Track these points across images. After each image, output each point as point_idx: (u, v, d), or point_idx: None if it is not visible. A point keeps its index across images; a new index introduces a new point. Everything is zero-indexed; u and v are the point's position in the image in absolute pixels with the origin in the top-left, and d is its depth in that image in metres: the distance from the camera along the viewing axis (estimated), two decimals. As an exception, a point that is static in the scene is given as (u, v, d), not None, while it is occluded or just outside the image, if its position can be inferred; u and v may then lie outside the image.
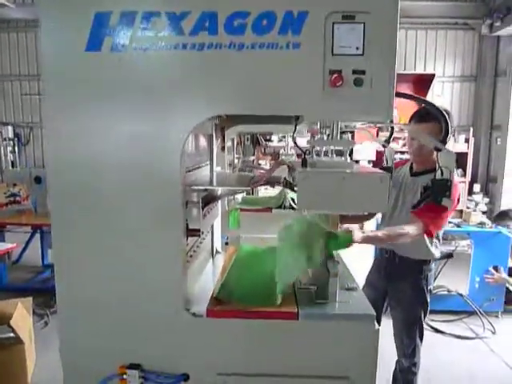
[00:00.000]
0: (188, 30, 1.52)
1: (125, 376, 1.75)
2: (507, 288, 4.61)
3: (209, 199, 2.01)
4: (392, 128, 2.12)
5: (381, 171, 1.62)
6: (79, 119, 1.63)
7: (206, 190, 2.01)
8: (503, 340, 4.12)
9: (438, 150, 1.68)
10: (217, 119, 2.32)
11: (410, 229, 2.21)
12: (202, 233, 1.84)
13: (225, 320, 1.72)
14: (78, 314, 1.77)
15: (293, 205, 4.44)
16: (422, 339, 2.63)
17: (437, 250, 2.53)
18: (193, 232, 1.83)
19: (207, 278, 2.23)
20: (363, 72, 1.52)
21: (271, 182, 2.01)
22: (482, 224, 4.58)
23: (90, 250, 1.72)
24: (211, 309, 1.74)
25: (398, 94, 1.67)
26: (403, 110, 5.41)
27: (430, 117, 2.26)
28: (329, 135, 1.76)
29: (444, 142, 1.70)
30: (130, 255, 1.70)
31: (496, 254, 4.48)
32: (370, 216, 2.92)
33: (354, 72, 1.52)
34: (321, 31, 1.50)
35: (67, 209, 1.70)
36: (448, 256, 2.91)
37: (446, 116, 1.73)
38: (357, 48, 1.51)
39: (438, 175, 1.67)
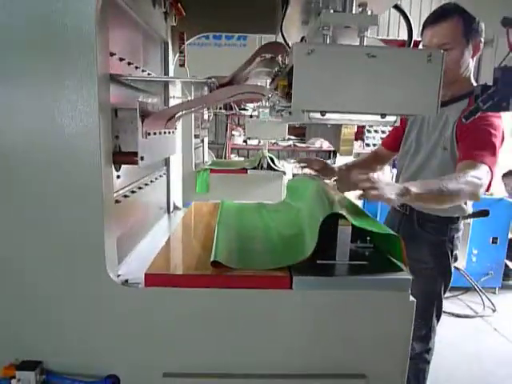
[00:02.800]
0: None
1: (13, 381, 1.09)
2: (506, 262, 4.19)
3: (158, 115, 1.34)
4: (410, 24, 1.51)
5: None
6: None
7: (154, 107, 1.34)
8: (505, 317, 3.67)
9: (510, 23, 1.07)
10: (173, 18, 1.65)
11: (474, 179, 1.51)
12: (142, 159, 1.17)
13: (173, 290, 1.07)
14: None
15: (272, 165, 3.83)
16: (439, 319, 2.06)
17: (469, 204, 1.91)
18: (126, 157, 1.18)
19: (157, 237, 1.57)
20: None
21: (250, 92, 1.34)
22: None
23: None
24: (150, 273, 1.09)
25: None
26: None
27: (449, 12, 1.69)
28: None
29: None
30: (30, 191, 1.03)
31: (496, 223, 4.01)
32: (382, 162, 2.31)
33: None
34: None
35: None
36: (483, 213, 2.19)
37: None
38: None
39: (510, 62, 1.06)
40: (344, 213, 1.12)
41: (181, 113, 1.45)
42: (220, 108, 8.70)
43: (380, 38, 8.19)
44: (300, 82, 0.94)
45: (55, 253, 1.06)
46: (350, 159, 3.71)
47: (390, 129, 2.38)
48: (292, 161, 8.13)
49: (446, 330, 3.42)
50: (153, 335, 1.10)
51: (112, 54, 1.14)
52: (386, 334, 1.10)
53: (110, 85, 1.06)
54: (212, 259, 1.10)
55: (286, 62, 1.25)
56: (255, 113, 8.62)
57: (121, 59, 1.22)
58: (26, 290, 1.09)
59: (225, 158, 7.57)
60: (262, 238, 1.40)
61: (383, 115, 1.01)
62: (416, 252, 1.87)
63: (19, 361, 1.11)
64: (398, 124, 1.07)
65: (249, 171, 3.67)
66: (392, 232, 1.15)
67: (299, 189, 1.76)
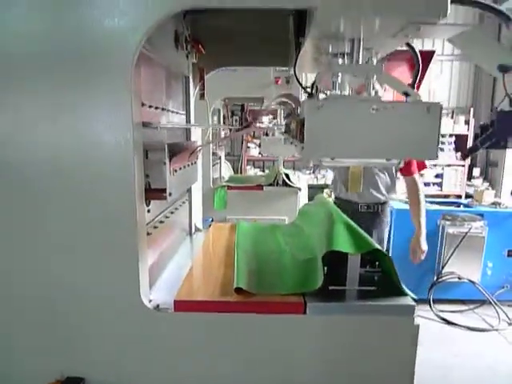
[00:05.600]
0: None
1: (59, 396, 1.23)
2: (522, 275, 4.19)
3: (180, 151, 1.47)
4: (418, 61, 1.64)
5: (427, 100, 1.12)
6: None
7: (179, 144, 1.48)
8: (521, 332, 3.69)
9: (507, 69, 1.18)
10: (194, 55, 1.79)
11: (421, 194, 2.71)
12: (170, 195, 1.31)
13: (200, 315, 1.20)
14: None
15: (287, 181, 3.95)
16: None
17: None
18: (156, 194, 1.31)
19: (182, 260, 1.70)
20: None
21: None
22: (495, 204, 4.13)
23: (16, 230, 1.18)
24: (180, 300, 1.22)
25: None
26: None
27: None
28: (347, 54, 1.24)
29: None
30: (68, 229, 1.17)
31: (511, 236, 4.04)
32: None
33: None
34: None
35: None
36: None
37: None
38: None
39: (505, 106, 1.17)
40: (348, 244, 1.24)
41: (201, 147, 1.59)
42: (236, 120, 8.84)
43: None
44: (311, 135, 1.06)
45: (95, 281, 1.19)
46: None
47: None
48: (307, 172, 8.24)
49: (461, 344, 3.47)
50: (182, 353, 1.22)
51: (143, 104, 1.28)
52: (392, 356, 1.20)
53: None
54: (235, 286, 1.22)
55: (299, 112, 1.37)
56: (271, 125, 8.77)
57: (150, 106, 1.36)
58: (71, 317, 1.23)
59: (241, 169, 7.72)
60: (277, 263, 1.52)
61: (388, 159, 1.12)
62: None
63: (64, 377, 1.25)
64: (402, 165, 1.18)
65: (264, 188, 3.80)
66: (383, 251, 1.27)
67: (311, 214, 1.87)
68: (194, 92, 2.00)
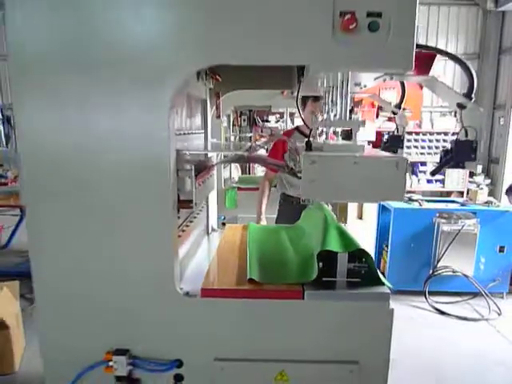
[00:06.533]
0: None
1: (111, 363, 1.57)
2: (512, 269, 4.48)
3: (202, 168, 1.81)
4: (404, 89, 1.93)
5: (396, 155, 1.43)
6: (47, 93, 1.42)
7: (199, 160, 1.81)
8: (509, 321, 3.98)
9: (462, 107, 1.49)
10: (211, 82, 2.11)
11: None
12: (196, 204, 1.64)
13: (221, 300, 1.54)
14: (58, 294, 1.59)
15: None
16: None
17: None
18: (185, 204, 1.64)
19: (203, 255, 2.04)
20: (379, 14, 1.31)
21: (269, 164, 1.81)
22: (488, 203, 4.41)
23: (73, 227, 1.52)
24: (205, 288, 1.56)
25: (419, 46, 1.47)
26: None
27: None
28: (335, 115, 1.56)
29: (469, 97, 1.50)
30: (118, 230, 1.50)
31: (502, 233, 4.32)
32: None
33: (369, 14, 1.31)
34: (331, -35, 1.29)
35: (43, 188, 1.49)
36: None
37: (473, 72, 1.53)
38: (372, -15, 1.30)
39: (462, 136, 1.48)
40: (337, 245, 1.56)
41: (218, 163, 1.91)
42: (244, 120, 9.12)
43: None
44: (306, 182, 1.39)
45: (140, 273, 1.53)
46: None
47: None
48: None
49: (453, 332, 3.78)
50: (206, 331, 1.56)
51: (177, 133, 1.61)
52: (372, 333, 1.53)
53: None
54: (248, 277, 1.56)
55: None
56: (277, 124, 9.04)
57: (179, 134, 1.69)
58: (119, 301, 1.57)
59: (249, 168, 8.03)
60: (281, 258, 1.85)
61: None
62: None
63: (113, 349, 1.59)
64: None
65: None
66: (367, 251, 1.59)
67: (310, 217, 2.20)
68: (210, 112, 2.33)
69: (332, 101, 1.59)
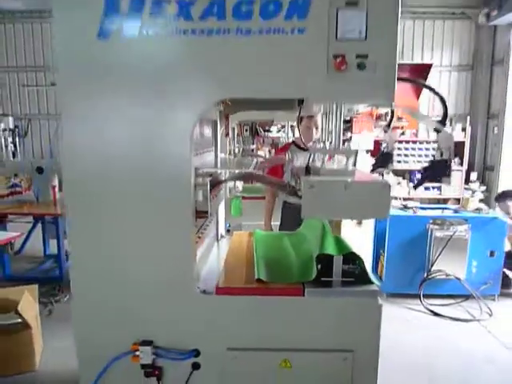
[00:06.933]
0: (197, 15, 1.57)
1: (137, 352, 1.82)
2: (504, 272, 4.71)
3: (214, 182, 2.06)
4: (392, 112, 2.19)
5: (382, 179, 1.68)
6: (92, 107, 1.67)
7: (211, 175, 2.07)
8: (500, 322, 4.21)
9: (438, 131, 1.75)
10: (221, 105, 2.37)
11: None
12: (210, 214, 1.90)
13: (233, 297, 1.78)
14: (91, 294, 1.83)
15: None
16: None
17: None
18: (201, 214, 1.89)
19: (214, 259, 2.29)
20: (366, 56, 1.57)
21: (272, 183, 2.08)
22: (478, 210, 4.66)
23: (105, 233, 1.78)
24: (220, 286, 1.81)
25: (400, 79, 1.73)
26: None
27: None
28: (331, 142, 1.83)
29: (443, 123, 1.77)
30: (145, 236, 1.76)
31: (492, 238, 4.56)
32: None
33: (358, 56, 1.57)
34: (325, 16, 1.56)
35: (82, 196, 1.75)
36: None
37: (445, 100, 1.79)
38: (360, 33, 1.56)
39: (438, 156, 1.73)
40: (333, 249, 1.81)
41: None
42: (246, 130, 9.42)
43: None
44: (306, 203, 1.65)
45: (163, 273, 1.78)
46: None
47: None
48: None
49: (446, 332, 4.01)
50: (220, 324, 1.81)
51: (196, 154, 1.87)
52: (364, 325, 1.77)
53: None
54: (256, 277, 1.81)
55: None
56: (279, 134, 9.30)
57: (196, 154, 1.95)
58: (145, 298, 1.82)
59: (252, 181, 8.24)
60: (285, 261, 2.11)
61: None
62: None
63: (139, 340, 1.84)
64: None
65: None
66: (358, 255, 1.84)
67: (310, 225, 2.46)
68: (220, 131, 2.59)
69: (328, 129, 1.85)
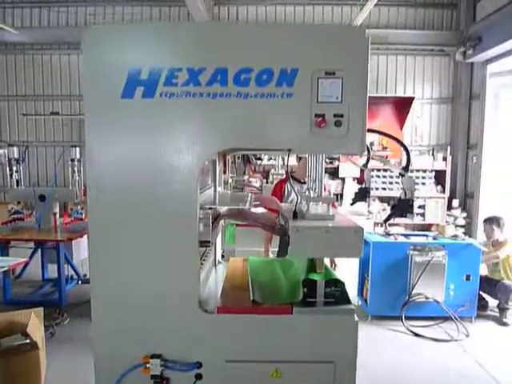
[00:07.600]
0: (204, 82, 1.93)
1: (148, 365, 2.09)
2: (479, 295, 5.05)
3: (215, 216, 2.39)
4: (369, 153, 2.55)
5: (357, 225, 2.01)
6: (116, 150, 2.01)
7: (210, 209, 2.40)
8: (475, 342, 4.52)
9: (402, 175, 2.11)
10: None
11: None
12: (212, 244, 2.21)
13: (232, 315, 2.09)
14: (109, 317, 2.12)
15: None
16: None
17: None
18: (204, 243, 2.21)
19: (212, 282, 2.60)
20: (342, 115, 1.94)
21: (266, 225, 2.41)
22: (455, 236, 5.03)
23: (123, 260, 2.08)
24: (220, 306, 2.11)
25: (370, 130, 2.09)
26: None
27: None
28: (315, 189, 2.19)
29: (407, 169, 2.13)
30: (157, 263, 2.07)
31: (468, 263, 4.91)
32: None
33: (335, 115, 1.94)
34: (308, 84, 1.93)
35: (105, 223, 2.07)
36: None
37: (408, 149, 2.16)
38: (336, 97, 1.94)
39: (402, 196, 2.09)
40: (317, 275, 2.13)
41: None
42: (238, 158, 9.75)
43: (378, 95, 9.30)
44: (293, 244, 1.97)
45: (170, 293, 2.08)
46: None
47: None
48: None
49: (425, 351, 4.31)
50: (220, 339, 2.10)
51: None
52: (342, 338, 2.08)
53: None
54: (251, 298, 2.12)
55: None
56: (270, 162, 9.68)
57: (200, 192, 2.28)
58: (154, 317, 2.11)
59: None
60: (276, 284, 2.42)
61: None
62: None
63: (150, 354, 2.12)
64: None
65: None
66: (340, 279, 2.15)
67: None
68: (218, 168, 2.94)
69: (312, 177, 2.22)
